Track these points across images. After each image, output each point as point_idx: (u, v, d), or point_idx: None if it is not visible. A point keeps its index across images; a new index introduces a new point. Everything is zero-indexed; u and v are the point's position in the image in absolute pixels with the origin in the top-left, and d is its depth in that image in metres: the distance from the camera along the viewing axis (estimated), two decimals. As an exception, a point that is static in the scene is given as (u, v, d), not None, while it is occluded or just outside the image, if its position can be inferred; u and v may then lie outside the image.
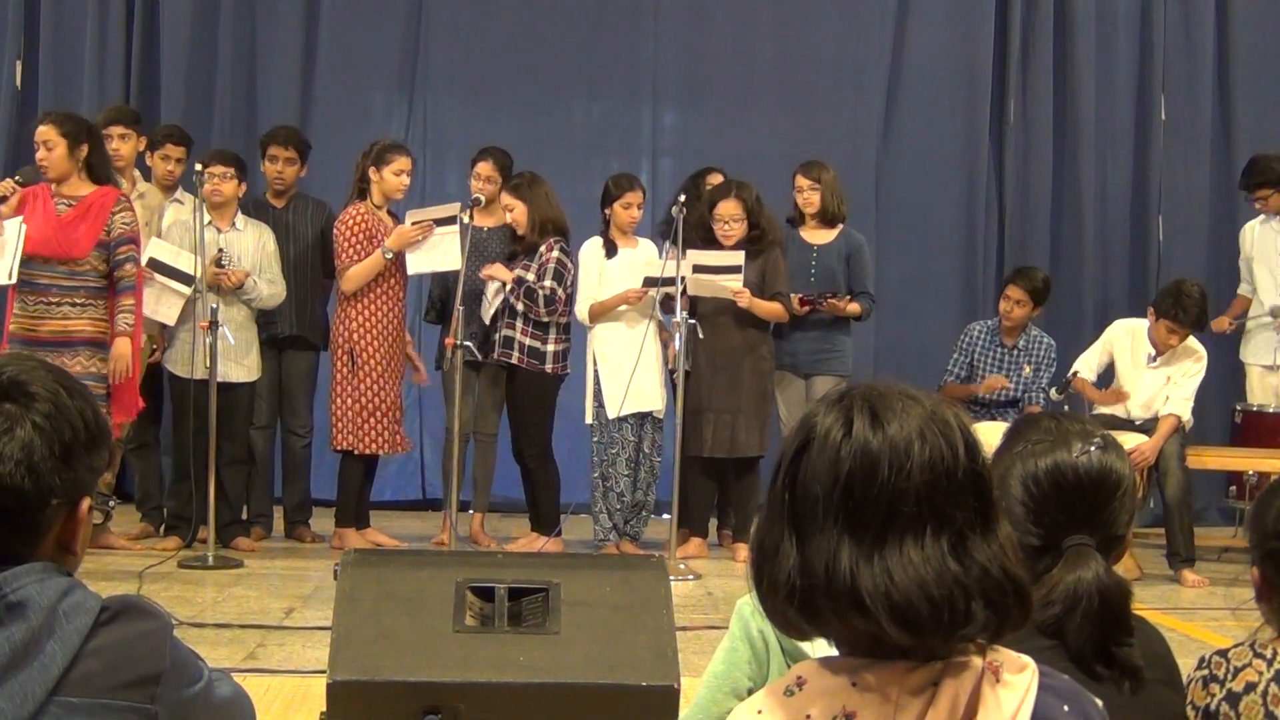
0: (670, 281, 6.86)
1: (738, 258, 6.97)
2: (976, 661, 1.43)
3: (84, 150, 6.31)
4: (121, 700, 1.59)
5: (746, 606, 2.49)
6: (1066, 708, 1.44)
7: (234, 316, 6.85)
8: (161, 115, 8.35)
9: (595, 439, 7.13)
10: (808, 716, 1.42)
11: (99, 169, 6.38)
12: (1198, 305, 6.97)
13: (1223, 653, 2.18)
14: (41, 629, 1.59)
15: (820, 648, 1.55)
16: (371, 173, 7.09)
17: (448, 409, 7.26)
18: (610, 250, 7.19)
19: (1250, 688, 2.11)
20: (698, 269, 6.90)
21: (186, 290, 6.73)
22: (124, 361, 6.26)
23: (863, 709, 1.41)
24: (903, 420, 1.43)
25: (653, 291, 7.00)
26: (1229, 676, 2.14)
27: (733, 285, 6.94)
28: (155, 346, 7.05)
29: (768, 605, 1.47)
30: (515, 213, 7.14)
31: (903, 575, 1.38)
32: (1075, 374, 7.27)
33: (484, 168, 7.36)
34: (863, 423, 1.43)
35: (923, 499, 1.40)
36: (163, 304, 6.77)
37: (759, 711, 1.45)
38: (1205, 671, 2.17)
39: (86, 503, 1.71)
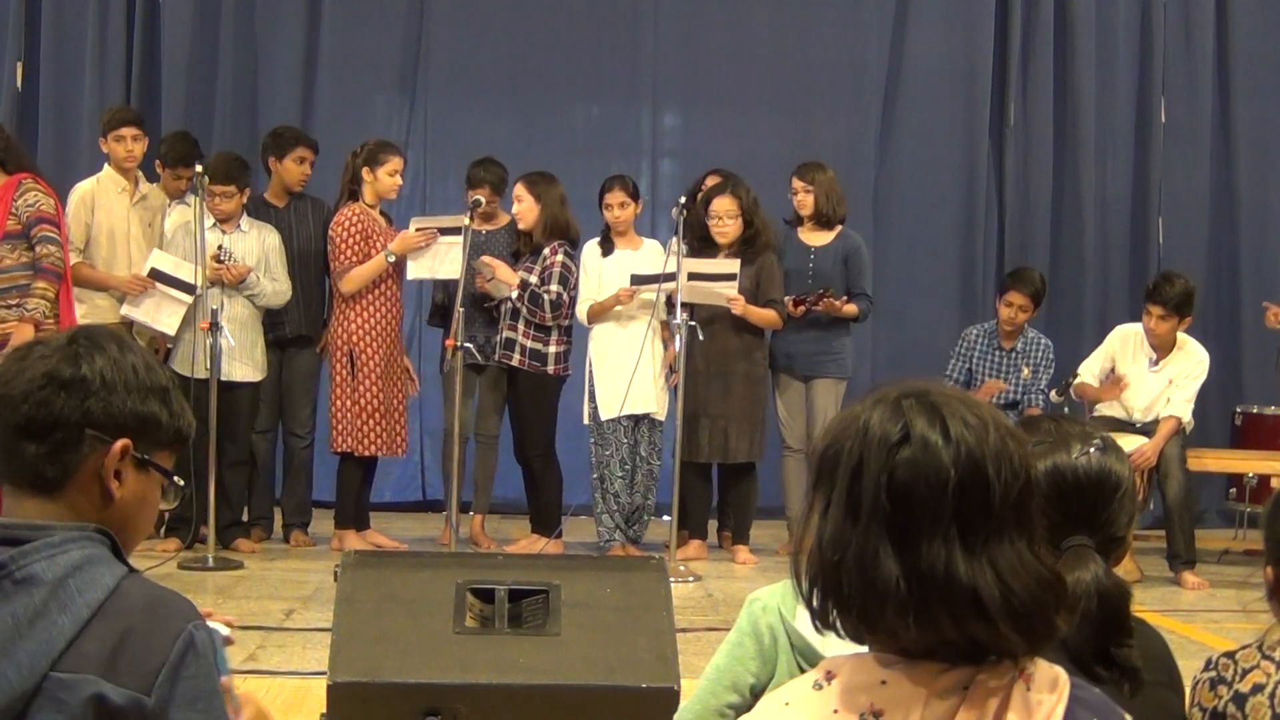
0: (659, 279, 6.86)
1: (733, 266, 6.96)
2: (1008, 667, 1.43)
3: None
4: (122, 685, 1.58)
5: (757, 602, 2.46)
6: None
7: (237, 315, 6.86)
8: (162, 116, 8.35)
9: (591, 439, 7.13)
10: (835, 711, 1.42)
11: (10, 162, 6.22)
12: (1179, 290, 6.99)
13: (1230, 654, 2.18)
14: (49, 602, 1.59)
15: (831, 647, 1.54)
16: (365, 173, 7.05)
17: (447, 410, 7.26)
18: (607, 251, 7.19)
19: (1258, 689, 2.10)
20: (693, 276, 6.89)
21: (188, 299, 6.72)
22: None
23: (891, 707, 1.41)
24: (978, 429, 1.44)
25: (650, 293, 6.99)
26: (1237, 678, 2.13)
27: (728, 292, 6.94)
28: (155, 348, 7.05)
29: (846, 615, 1.45)
30: (523, 205, 7.08)
31: (1015, 580, 1.40)
32: (1076, 376, 7.27)
33: (482, 193, 7.21)
34: (960, 427, 1.43)
35: (1010, 506, 1.43)
36: (163, 313, 6.77)
37: (786, 704, 1.45)
38: (1213, 673, 2.17)
39: (122, 443, 1.72)
